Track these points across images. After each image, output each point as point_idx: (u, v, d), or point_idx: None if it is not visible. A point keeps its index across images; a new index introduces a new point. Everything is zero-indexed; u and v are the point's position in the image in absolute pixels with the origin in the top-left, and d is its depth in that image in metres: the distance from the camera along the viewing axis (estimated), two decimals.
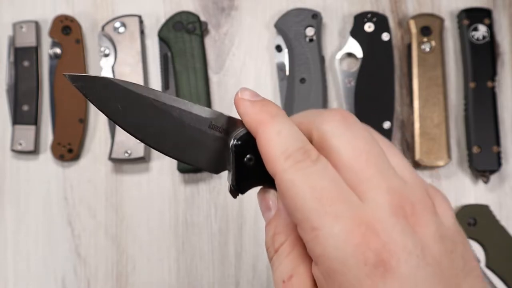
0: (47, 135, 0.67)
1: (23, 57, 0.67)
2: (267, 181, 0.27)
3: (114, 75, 0.65)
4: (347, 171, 0.24)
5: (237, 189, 0.28)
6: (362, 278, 0.22)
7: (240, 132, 0.28)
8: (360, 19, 0.66)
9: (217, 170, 0.29)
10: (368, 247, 0.22)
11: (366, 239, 0.22)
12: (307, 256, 0.26)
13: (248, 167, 0.28)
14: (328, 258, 0.23)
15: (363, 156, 0.25)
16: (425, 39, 0.65)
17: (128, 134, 0.28)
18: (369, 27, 0.65)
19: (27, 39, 0.67)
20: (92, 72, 0.68)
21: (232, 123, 0.29)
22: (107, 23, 0.66)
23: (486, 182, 0.63)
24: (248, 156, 0.28)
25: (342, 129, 0.25)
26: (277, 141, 0.26)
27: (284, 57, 0.66)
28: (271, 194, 0.28)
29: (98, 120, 0.67)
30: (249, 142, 0.27)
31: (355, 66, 0.66)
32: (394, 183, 0.24)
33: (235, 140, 0.28)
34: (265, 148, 0.26)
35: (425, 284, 0.22)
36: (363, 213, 0.23)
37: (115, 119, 0.27)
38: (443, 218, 0.25)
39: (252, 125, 0.27)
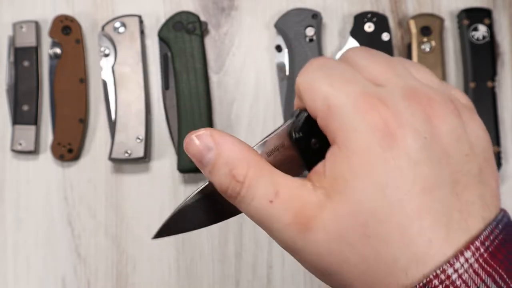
0: (47, 135, 0.67)
1: (23, 57, 0.67)
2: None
3: (114, 75, 0.65)
4: (367, 72, 0.26)
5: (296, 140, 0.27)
6: (372, 145, 0.23)
7: (298, 121, 0.27)
8: (360, 19, 0.66)
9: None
10: (378, 114, 0.23)
11: (377, 108, 0.23)
12: (279, 168, 0.25)
13: (314, 152, 0.27)
14: (341, 129, 0.24)
15: (383, 63, 0.26)
16: (425, 39, 0.65)
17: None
18: (369, 27, 0.65)
19: (27, 39, 0.67)
20: (92, 71, 0.68)
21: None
22: (107, 23, 0.66)
23: None
24: (313, 140, 0.27)
25: (364, 53, 0.27)
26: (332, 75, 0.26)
27: (284, 57, 0.66)
28: (205, 134, 0.25)
29: (98, 120, 0.67)
30: (308, 128, 0.26)
31: None
32: (413, 82, 0.25)
33: (296, 134, 0.27)
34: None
35: (427, 166, 0.23)
36: (376, 91, 0.24)
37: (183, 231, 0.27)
38: (470, 127, 0.25)
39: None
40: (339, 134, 0.24)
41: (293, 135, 0.27)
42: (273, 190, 0.24)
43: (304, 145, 0.27)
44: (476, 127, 0.26)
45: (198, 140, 0.25)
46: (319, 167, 0.25)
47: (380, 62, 0.26)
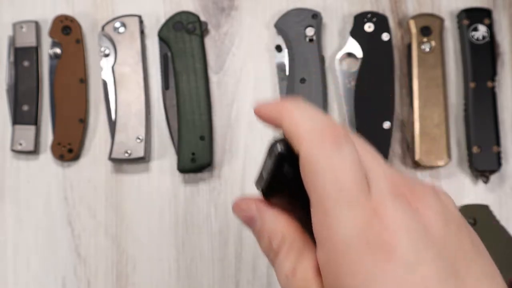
0: (47, 135, 0.67)
1: (23, 57, 0.67)
2: (296, 195, 0.27)
3: (114, 75, 0.66)
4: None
5: (265, 194, 0.28)
6: (364, 258, 0.22)
7: (282, 144, 0.27)
8: (360, 19, 0.66)
9: None
10: (371, 229, 0.23)
11: (371, 222, 0.23)
12: (306, 247, 0.26)
13: (283, 178, 0.27)
14: (335, 241, 0.23)
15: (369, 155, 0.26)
16: (425, 39, 0.65)
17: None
18: (369, 27, 0.65)
19: (27, 39, 0.67)
20: (92, 71, 0.68)
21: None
22: (107, 23, 0.66)
23: (486, 182, 0.63)
24: (287, 168, 0.27)
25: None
26: (304, 119, 0.26)
27: (284, 57, 0.66)
28: (250, 202, 0.28)
29: (98, 120, 0.67)
30: (292, 155, 0.26)
31: (355, 66, 0.66)
32: (392, 170, 0.26)
33: (281, 148, 0.27)
34: (293, 125, 0.26)
35: (430, 265, 0.22)
36: (370, 198, 0.24)
37: None
38: (447, 204, 0.25)
39: (276, 113, 0.27)
40: (332, 245, 0.23)
41: (277, 147, 0.27)
42: (291, 267, 0.26)
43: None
44: (449, 201, 0.26)
45: (245, 209, 0.29)
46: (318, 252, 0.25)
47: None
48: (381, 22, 0.65)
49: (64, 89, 0.66)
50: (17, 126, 0.66)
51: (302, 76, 0.64)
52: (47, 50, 0.68)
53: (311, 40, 0.65)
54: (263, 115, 0.28)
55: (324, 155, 0.24)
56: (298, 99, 0.27)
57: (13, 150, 0.66)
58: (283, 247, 0.27)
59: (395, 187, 0.24)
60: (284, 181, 0.27)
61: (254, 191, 0.67)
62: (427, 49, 0.65)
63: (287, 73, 0.65)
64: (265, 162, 0.28)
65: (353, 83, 0.65)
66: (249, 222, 0.29)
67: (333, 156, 0.24)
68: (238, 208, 0.29)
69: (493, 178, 0.64)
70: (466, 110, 0.65)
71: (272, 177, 0.27)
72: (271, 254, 0.27)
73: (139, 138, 0.64)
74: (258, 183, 0.28)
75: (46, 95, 0.68)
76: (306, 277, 0.25)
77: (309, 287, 0.25)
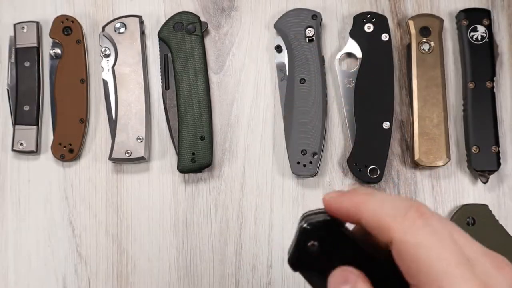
0: (48, 135, 0.67)
1: (24, 57, 0.67)
2: (324, 271, 0.28)
3: (114, 75, 0.66)
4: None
5: (292, 266, 0.29)
6: None
7: (313, 218, 0.28)
8: (359, 19, 0.66)
9: None
10: None
11: None
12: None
13: (309, 252, 0.28)
14: None
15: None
16: (424, 40, 0.65)
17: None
18: (368, 27, 0.65)
19: (28, 40, 0.67)
20: (92, 72, 0.68)
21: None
22: (108, 23, 0.67)
23: (485, 182, 0.64)
24: (311, 242, 0.28)
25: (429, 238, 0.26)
26: (387, 205, 0.26)
27: (284, 57, 0.66)
28: (349, 272, 0.27)
29: (98, 120, 0.67)
30: (318, 231, 0.28)
31: (354, 67, 0.66)
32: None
33: (306, 224, 0.28)
34: (376, 215, 0.26)
35: None
36: (475, 272, 0.24)
37: None
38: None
39: (351, 207, 0.27)
40: None
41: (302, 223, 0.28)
42: None
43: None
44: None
45: (336, 275, 0.27)
46: None
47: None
48: (380, 22, 0.66)
49: (65, 89, 0.66)
50: (18, 127, 0.66)
51: (302, 76, 0.65)
52: (48, 50, 0.68)
53: (311, 40, 0.65)
54: (336, 209, 0.28)
55: (420, 234, 0.25)
56: (368, 189, 0.27)
57: (14, 150, 0.66)
58: None
59: (494, 261, 0.25)
60: (309, 256, 0.28)
61: (254, 191, 0.67)
62: (426, 50, 0.65)
63: (287, 73, 0.65)
64: (295, 235, 0.29)
65: (352, 83, 0.65)
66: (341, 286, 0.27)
67: (428, 234, 0.25)
68: (340, 275, 0.27)
69: (492, 178, 0.64)
70: (465, 110, 0.65)
71: (296, 249, 0.28)
72: None
73: (139, 138, 0.64)
74: (288, 253, 0.29)
75: (47, 95, 0.68)
76: None
77: None
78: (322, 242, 0.28)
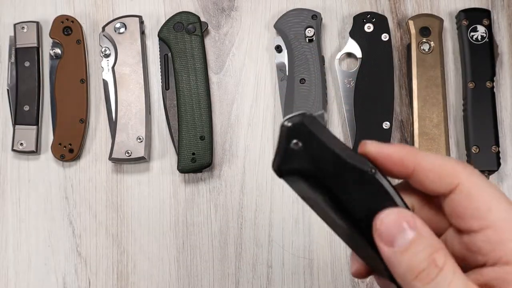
0: (48, 135, 0.67)
1: (24, 57, 0.67)
2: (311, 170, 0.27)
3: (114, 75, 0.66)
4: None
5: (277, 171, 0.27)
6: None
7: (295, 118, 0.27)
8: (359, 19, 0.66)
9: None
10: None
11: None
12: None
13: (293, 153, 0.27)
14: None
15: None
16: (424, 40, 0.65)
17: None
18: (368, 27, 0.65)
19: (28, 40, 0.67)
20: (92, 72, 0.68)
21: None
22: (108, 23, 0.67)
23: None
24: (294, 141, 0.26)
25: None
26: (442, 156, 0.27)
27: (284, 57, 0.66)
28: (407, 214, 0.26)
29: (98, 120, 0.68)
30: (301, 128, 0.27)
31: (354, 67, 0.66)
32: None
33: (287, 122, 0.27)
34: (438, 162, 0.26)
35: None
36: None
37: None
38: None
39: (407, 154, 0.27)
40: None
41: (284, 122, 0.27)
42: (462, 284, 0.24)
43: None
44: None
45: (396, 218, 0.25)
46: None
47: None
48: (380, 22, 0.66)
49: (65, 89, 0.66)
50: (18, 127, 0.66)
51: (302, 76, 0.65)
52: (48, 50, 0.68)
53: (310, 40, 0.65)
54: (386, 155, 0.27)
55: (484, 183, 0.26)
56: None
57: (14, 150, 0.66)
58: (449, 267, 0.24)
59: None
60: (293, 157, 0.26)
61: (254, 191, 0.67)
62: (426, 50, 0.65)
63: (287, 73, 0.65)
64: (277, 143, 0.27)
65: (352, 83, 0.65)
66: (396, 233, 0.25)
67: (488, 183, 0.26)
68: (386, 216, 0.26)
69: (492, 178, 0.64)
70: (465, 110, 0.65)
71: (279, 151, 0.27)
72: (432, 271, 0.24)
73: (139, 138, 0.64)
74: (272, 164, 0.28)
75: (47, 95, 0.68)
76: None
77: None
78: (306, 141, 0.26)
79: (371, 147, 0.27)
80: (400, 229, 0.25)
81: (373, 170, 0.27)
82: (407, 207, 0.27)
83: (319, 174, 0.27)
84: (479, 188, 0.26)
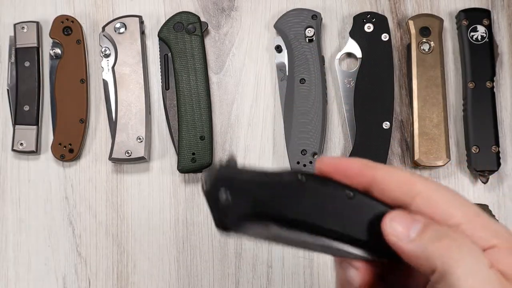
0: (48, 135, 0.67)
1: (24, 57, 0.67)
2: (253, 206, 0.26)
3: (114, 75, 0.66)
4: None
5: (223, 228, 0.26)
6: None
7: (208, 174, 0.27)
8: (359, 19, 0.66)
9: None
10: None
11: None
12: None
13: (226, 204, 0.26)
14: None
15: None
16: (424, 40, 0.65)
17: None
18: (368, 27, 0.65)
19: (28, 40, 0.67)
20: (92, 72, 0.68)
21: None
22: (108, 23, 0.67)
23: (485, 182, 0.64)
24: (221, 193, 0.26)
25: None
26: (397, 169, 0.27)
27: (284, 57, 0.66)
28: (403, 211, 0.27)
29: (98, 121, 0.68)
30: (219, 180, 0.26)
31: (354, 67, 0.66)
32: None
33: (204, 182, 0.27)
34: (396, 173, 0.27)
35: None
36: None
37: None
38: None
39: (364, 165, 0.27)
40: None
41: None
42: (486, 259, 0.25)
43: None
44: None
45: (401, 216, 0.27)
46: None
47: None
48: (380, 22, 0.66)
49: (65, 89, 0.66)
50: (18, 127, 0.66)
51: (302, 76, 0.65)
52: (48, 50, 0.68)
53: (310, 40, 0.65)
54: (343, 169, 0.28)
55: (442, 190, 0.27)
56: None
57: (14, 150, 0.66)
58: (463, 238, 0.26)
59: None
60: (228, 207, 0.26)
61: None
62: (426, 50, 0.65)
63: (287, 73, 0.65)
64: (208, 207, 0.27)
65: (352, 83, 0.65)
66: (409, 225, 0.26)
67: (446, 189, 0.27)
68: (395, 217, 0.27)
69: (492, 178, 0.64)
70: (465, 110, 0.65)
71: (213, 210, 0.26)
72: (451, 232, 0.26)
73: (139, 138, 0.64)
74: (217, 226, 0.27)
75: (47, 95, 0.68)
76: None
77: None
78: (230, 187, 0.26)
79: (327, 161, 0.28)
80: (409, 223, 0.26)
81: (351, 193, 0.27)
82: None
83: (260, 206, 0.26)
84: (438, 192, 0.27)
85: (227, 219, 0.26)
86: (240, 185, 0.26)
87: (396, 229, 0.26)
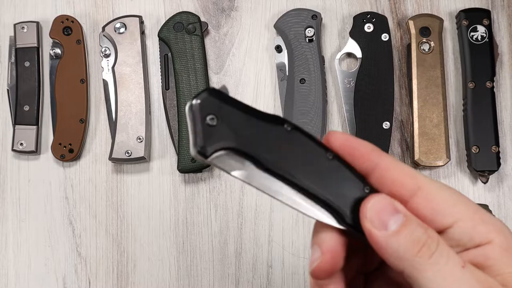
0: (48, 135, 0.67)
1: (24, 57, 0.67)
2: (236, 140, 0.26)
3: (114, 75, 0.66)
4: None
5: (202, 153, 0.26)
6: None
7: (198, 95, 0.26)
8: (359, 19, 0.66)
9: None
10: None
11: None
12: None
13: (210, 129, 0.26)
14: None
15: None
16: (424, 40, 0.65)
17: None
18: (368, 27, 0.65)
19: (28, 40, 0.67)
20: (92, 72, 0.68)
21: None
22: (108, 23, 0.67)
23: (485, 182, 0.64)
24: (210, 116, 0.26)
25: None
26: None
27: (284, 57, 0.66)
28: (390, 199, 0.26)
29: (98, 120, 0.68)
30: (212, 103, 0.26)
31: (354, 67, 0.66)
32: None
33: (195, 100, 0.26)
34: (399, 165, 0.27)
35: None
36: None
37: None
38: None
39: (372, 151, 0.27)
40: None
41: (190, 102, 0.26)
42: (460, 259, 0.25)
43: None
44: None
45: (384, 203, 0.26)
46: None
47: None
48: (380, 22, 0.66)
49: (65, 89, 0.66)
50: (18, 127, 0.66)
51: (302, 76, 0.65)
52: (48, 50, 0.68)
53: (311, 40, 0.65)
54: (350, 147, 0.27)
55: (444, 187, 0.28)
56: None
57: (14, 150, 0.66)
58: (442, 247, 0.25)
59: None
60: (212, 133, 0.26)
61: (254, 191, 0.67)
62: (426, 50, 0.65)
63: (287, 73, 0.65)
64: (190, 129, 0.26)
65: (352, 83, 0.65)
66: (391, 215, 0.26)
67: (449, 188, 0.28)
68: (374, 202, 0.26)
69: (492, 178, 0.64)
70: (465, 110, 0.65)
71: (195, 131, 0.26)
72: (431, 245, 0.25)
73: (139, 138, 0.64)
74: (194, 146, 0.26)
75: (47, 95, 0.68)
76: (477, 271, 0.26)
77: (486, 277, 0.25)
78: (221, 113, 0.26)
79: (339, 136, 0.28)
80: (391, 213, 0.26)
81: (330, 156, 0.27)
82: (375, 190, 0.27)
83: (243, 142, 0.26)
84: (440, 189, 0.27)
85: (208, 144, 0.26)
86: (228, 114, 0.26)
87: (375, 216, 0.26)
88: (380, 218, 0.26)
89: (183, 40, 0.66)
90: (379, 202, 0.26)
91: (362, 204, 0.26)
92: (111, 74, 0.66)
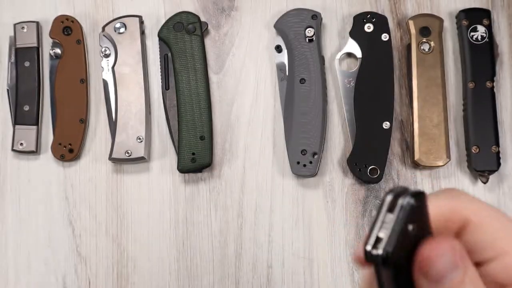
0: (48, 135, 0.67)
1: (24, 57, 0.67)
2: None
3: (114, 75, 0.66)
4: None
5: (385, 261, 0.21)
6: None
7: (407, 193, 0.22)
8: (359, 19, 0.66)
9: None
10: None
11: None
12: None
13: (407, 239, 0.21)
14: None
15: None
16: (424, 40, 0.65)
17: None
18: (368, 27, 0.65)
19: (28, 40, 0.67)
20: (92, 72, 0.68)
21: None
22: (108, 23, 0.67)
23: (485, 182, 0.64)
24: (412, 225, 0.21)
25: None
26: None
27: (284, 57, 0.66)
28: (456, 246, 0.22)
29: (98, 120, 0.67)
30: (418, 210, 0.22)
31: (354, 67, 0.66)
32: None
33: (408, 199, 0.21)
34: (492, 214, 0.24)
35: None
36: None
37: None
38: None
39: (458, 205, 0.24)
40: None
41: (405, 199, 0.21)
42: None
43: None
44: None
45: (449, 254, 0.22)
46: None
47: None
48: (380, 22, 0.66)
49: (65, 89, 0.66)
50: (18, 127, 0.66)
51: (302, 76, 0.65)
52: (47, 50, 0.68)
53: (311, 40, 0.65)
54: (438, 206, 0.24)
55: (491, 211, 0.25)
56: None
57: (14, 150, 0.66)
58: None
59: None
60: (406, 244, 0.21)
61: (253, 191, 0.67)
62: (426, 50, 0.65)
63: (287, 73, 0.65)
64: (379, 220, 0.22)
65: (352, 83, 0.65)
66: (452, 269, 0.22)
67: (494, 212, 0.25)
68: (437, 256, 0.22)
69: (492, 178, 0.64)
70: (465, 110, 0.65)
71: (395, 236, 0.21)
72: None
73: (139, 138, 0.64)
74: (374, 247, 0.21)
75: (46, 95, 0.68)
76: None
77: None
78: (419, 224, 0.22)
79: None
80: (452, 267, 0.22)
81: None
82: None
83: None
84: (489, 219, 0.24)
85: (397, 254, 0.21)
86: (424, 231, 0.23)
87: (434, 266, 0.22)
88: (438, 272, 0.22)
89: (183, 40, 0.66)
90: (441, 249, 0.22)
91: (423, 246, 0.22)
92: (111, 74, 0.66)
